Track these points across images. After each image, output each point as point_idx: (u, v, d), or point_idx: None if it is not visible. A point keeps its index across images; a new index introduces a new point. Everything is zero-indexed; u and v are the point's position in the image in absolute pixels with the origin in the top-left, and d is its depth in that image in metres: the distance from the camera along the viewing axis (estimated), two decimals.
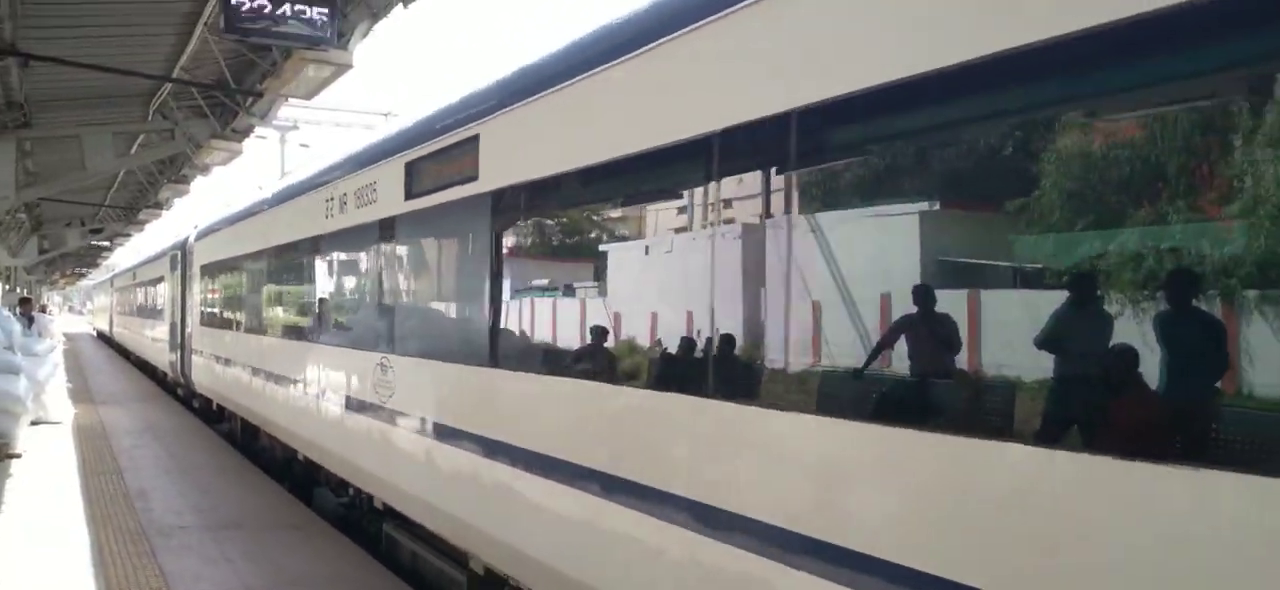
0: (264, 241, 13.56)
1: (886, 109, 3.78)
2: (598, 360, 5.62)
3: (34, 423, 16.00)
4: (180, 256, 21.89)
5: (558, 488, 5.62)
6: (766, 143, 4.26)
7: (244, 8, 9.75)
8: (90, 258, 54.70)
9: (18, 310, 23.73)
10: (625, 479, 4.99)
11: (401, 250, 8.75)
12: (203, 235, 19.33)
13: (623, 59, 5.24)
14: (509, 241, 6.87)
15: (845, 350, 4.04)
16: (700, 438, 4.58)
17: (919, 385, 3.79)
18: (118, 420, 18.55)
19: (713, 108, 4.48)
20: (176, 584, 8.01)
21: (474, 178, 6.85)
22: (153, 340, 28.03)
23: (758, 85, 4.25)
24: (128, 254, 47.54)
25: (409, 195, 8.17)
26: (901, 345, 3.82)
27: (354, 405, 9.30)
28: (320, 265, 11.17)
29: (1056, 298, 3.35)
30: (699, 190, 4.82)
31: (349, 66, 10.95)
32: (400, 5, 10.50)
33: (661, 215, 5.43)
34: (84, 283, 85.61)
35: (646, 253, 5.58)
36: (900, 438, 3.62)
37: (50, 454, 14.14)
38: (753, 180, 4.52)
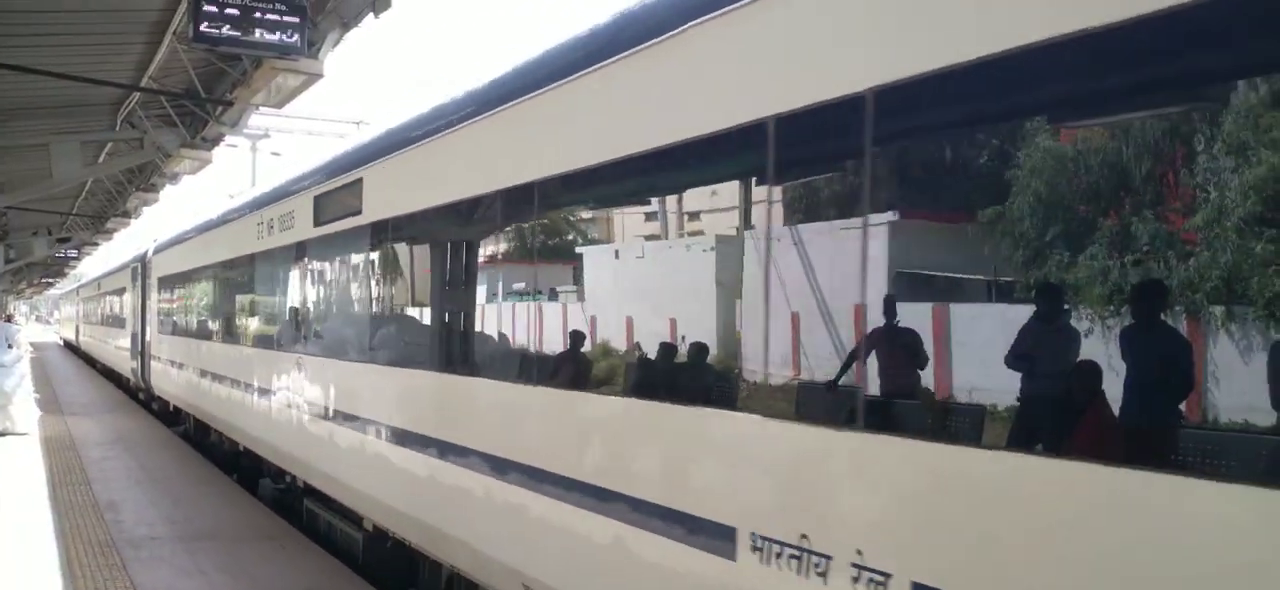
0: (210, 257, 15.52)
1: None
2: (428, 355, 7.70)
3: (0, 434, 15.84)
4: (140, 269, 23.55)
5: (412, 454, 7.49)
6: (521, 203, 6.34)
7: (213, 17, 9.72)
8: (57, 267, 54.04)
9: None
10: (449, 442, 6.94)
11: (311, 268, 10.73)
12: (159, 249, 21.22)
13: (447, 131, 7.31)
14: (382, 264, 8.92)
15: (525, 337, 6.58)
16: (476, 405, 6.79)
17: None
18: (87, 431, 18.38)
19: (497, 173, 6.52)
20: None
21: (359, 212, 8.88)
22: (116, 348, 29.69)
23: (520, 161, 6.20)
24: (96, 263, 47.27)
25: (316, 223, 10.17)
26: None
27: (277, 399, 11.15)
28: (253, 279, 13.08)
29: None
30: (490, 231, 7.24)
31: (319, 76, 10.92)
32: (371, 15, 10.50)
33: (469, 247, 7.39)
34: (51, 292, 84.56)
35: (459, 274, 7.57)
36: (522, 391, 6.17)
37: (17, 465, 14.00)
38: (511, 226, 6.93)
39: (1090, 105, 3.30)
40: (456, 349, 7.36)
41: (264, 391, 11.77)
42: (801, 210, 4.44)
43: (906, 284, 3.86)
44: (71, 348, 54.12)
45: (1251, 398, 2.78)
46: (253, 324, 13.16)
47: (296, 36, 9.92)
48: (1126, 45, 2.94)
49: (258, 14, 9.72)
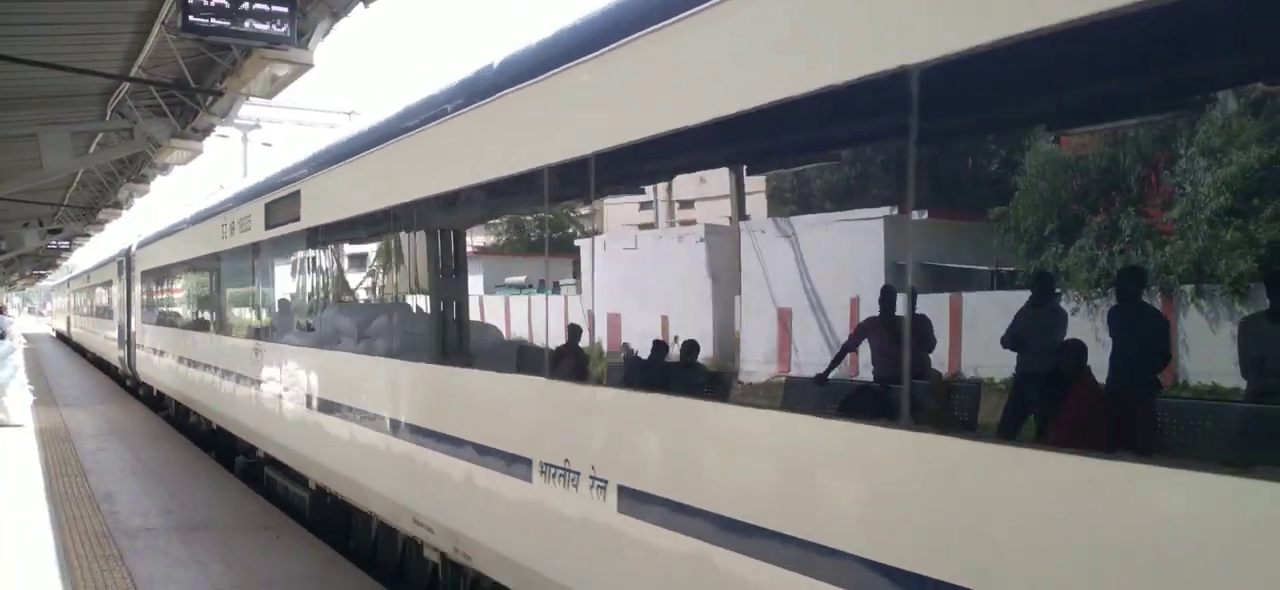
0: (185, 253, 17.16)
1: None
2: (349, 341, 9.13)
3: None
4: (125, 262, 25.19)
5: (336, 421, 9.01)
6: (410, 220, 7.89)
7: (201, 7, 9.69)
8: (49, 258, 53.82)
9: None
10: (361, 409, 8.45)
11: (263, 265, 12.24)
12: (142, 245, 22.76)
13: (362, 154, 8.70)
14: (318, 263, 10.38)
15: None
16: (377, 380, 8.26)
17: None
18: (81, 422, 18.37)
19: (404, 188, 7.75)
20: (144, 586, 8.02)
21: (298, 219, 10.41)
22: (104, 338, 31.40)
23: (414, 182, 7.60)
24: (88, 253, 47.31)
25: (267, 226, 11.70)
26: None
27: (242, 381, 12.70)
28: (221, 275, 14.68)
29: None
30: (394, 238, 8.49)
31: (309, 66, 10.90)
32: (360, 4, 10.47)
33: (381, 250, 8.94)
34: (44, 283, 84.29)
35: (362, 274, 9.48)
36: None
37: (12, 457, 14.01)
38: (418, 234, 8.01)
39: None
40: (363, 334, 8.92)
41: (229, 375, 13.46)
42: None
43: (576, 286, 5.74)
44: (63, 339, 54.74)
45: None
46: (220, 315, 14.71)
47: (286, 26, 9.89)
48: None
49: (247, 4, 9.70)
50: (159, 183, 23.07)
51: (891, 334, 3.67)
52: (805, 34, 4.03)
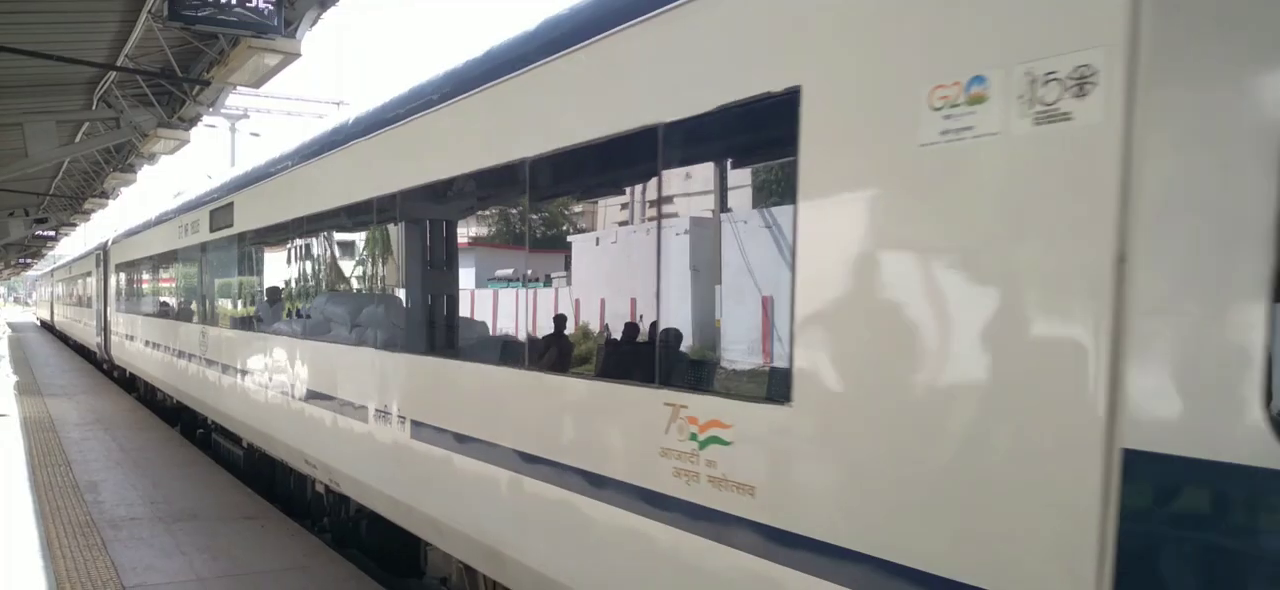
0: (150, 249, 19.32)
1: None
2: (267, 324, 11.29)
3: None
4: (102, 256, 27.31)
5: (254, 387, 11.41)
6: (299, 230, 10.14)
7: None
8: (35, 248, 53.57)
9: None
10: (271, 377, 10.76)
11: (209, 262, 14.36)
12: (117, 241, 24.78)
13: (267, 179, 11.26)
14: (245, 262, 12.51)
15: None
16: (280, 354, 10.47)
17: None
18: (66, 411, 18.31)
19: (294, 208, 10.14)
20: (128, 576, 8.00)
21: (232, 225, 12.78)
22: (83, 325, 34.01)
23: (298, 204, 10.02)
24: (76, 243, 47.50)
25: (211, 230, 13.97)
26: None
27: (193, 361, 15.00)
28: (177, 269, 16.97)
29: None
30: (290, 244, 10.58)
31: (297, 55, 10.87)
32: None
33: (285, 254, 10.87)
34: (30, 273, 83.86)
35: (271, 270, 11.57)
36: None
37: None
38: (303, 242, 10.22)
39: None
40: (272, 319, 11.11)
41: (183, 356, 15.78)
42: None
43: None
44: (48, 327, 55.11)
45: None
46: (176, 304, 16.98)
47: (273, 15, 9.87)
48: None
49: None
50: (146, 172, 22.98)
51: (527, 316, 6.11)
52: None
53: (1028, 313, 3.09)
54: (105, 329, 26.48)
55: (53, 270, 55.31)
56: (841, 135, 3.75)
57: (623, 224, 5.42)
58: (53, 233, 39.00)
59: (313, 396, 9.35)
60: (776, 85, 3.99)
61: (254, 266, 12.21)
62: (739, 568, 4.14)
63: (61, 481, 11.75)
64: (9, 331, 34.26)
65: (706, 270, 4.68)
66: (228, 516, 10.20)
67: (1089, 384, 2.89)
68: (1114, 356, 2.84)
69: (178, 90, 16.06)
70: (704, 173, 4.73)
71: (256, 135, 34.66)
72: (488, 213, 6.98)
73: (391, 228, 7.75)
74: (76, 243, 48.58)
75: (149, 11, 12.12)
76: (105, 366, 27.76)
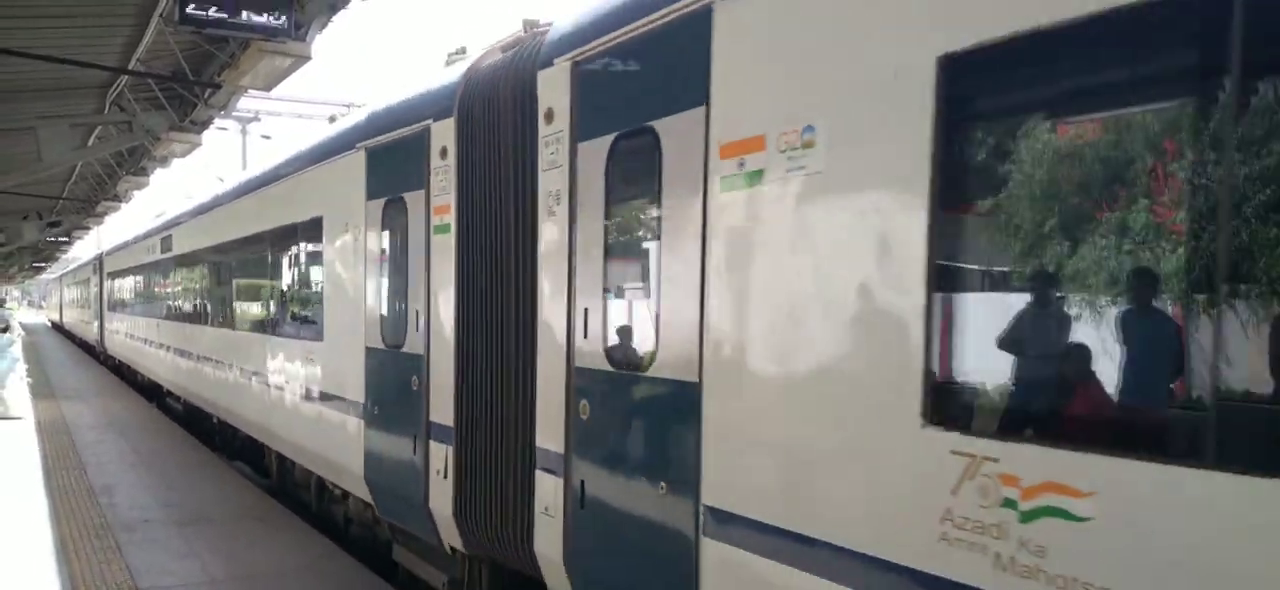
0: (130, 262, 25.14)
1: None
2: (190, 319, 17.01)
3: None
4: (99, 265, 33.42)
5: (193, 364, 16.29)
6: (200, 257, 16.43)
7: None
8: (48, 251, 53.85)
9: None
10: (199, 355, 15.75)
11: (163, 272, 19.99)
12: (109, 253, 30.95)
13: (186, 222, 17.84)
14: (181, 274, 18.13)
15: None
16: (197, 340, 16.05)
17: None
18: (80, 414, 18.41)
19: (197, 242, 16.51)
20: (143, 578, 8.03)
21: (171, 249, 18.73)
22: (85, 323, 40.09)
23: (200, 239, 16.34)
24: (88, 246, 48.27)
25: (161, 251, 19.81)
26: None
27: (158, 346, 20.12)
28: (151, 278, 21.82)
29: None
30: (198, 265, 16.79)
31: (307, 58, 10.91)
32: None
33: (198, 271, 16.89)
34: (43, 277, 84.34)
35: (197, 281, 17.06)
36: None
37: (11, 449, 14.03)
38: (202, 265, 16.46)
39: None
40: (193, 315, 16.62)
41: (150, 343, 21.24)
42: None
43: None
44: (58, 328, 59.68)
45: None
46: (149, 305, 22.03)
47: (284, 18, 9.91)
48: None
49: None
50: (158, 175, 23.13)
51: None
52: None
53: None
54: (102, 327, 32.25)
55: (62, 276, 59.43)
56: None
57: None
58: (66, 236, 39.24)
59: (209, 362, 14.90)
60: None
61: (182, 277, 18.26)
62: None
63: (76, 484, 11.82)
64: (23, 334, 34.68)
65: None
66: (239, 518, 10.24)
67: None
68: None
69: (189, 94, 16.13)
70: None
71: (267, 137, 34.79)
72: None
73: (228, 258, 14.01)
74: (89, 245, 49.50)
75: (161, 15, 12.17)
76: (102, 358, 32.27)
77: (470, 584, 7.00)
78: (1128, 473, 2.82)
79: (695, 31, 4.41)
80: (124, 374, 26.98)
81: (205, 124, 17.03)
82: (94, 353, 34.72)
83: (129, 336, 24.95)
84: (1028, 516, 3.03)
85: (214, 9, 9.70)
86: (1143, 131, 3.11)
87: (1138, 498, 2.80)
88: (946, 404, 3.43)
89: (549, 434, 5.59)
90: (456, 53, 7.73)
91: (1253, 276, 2.77)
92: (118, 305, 27.63)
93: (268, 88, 12.74)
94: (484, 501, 6.40)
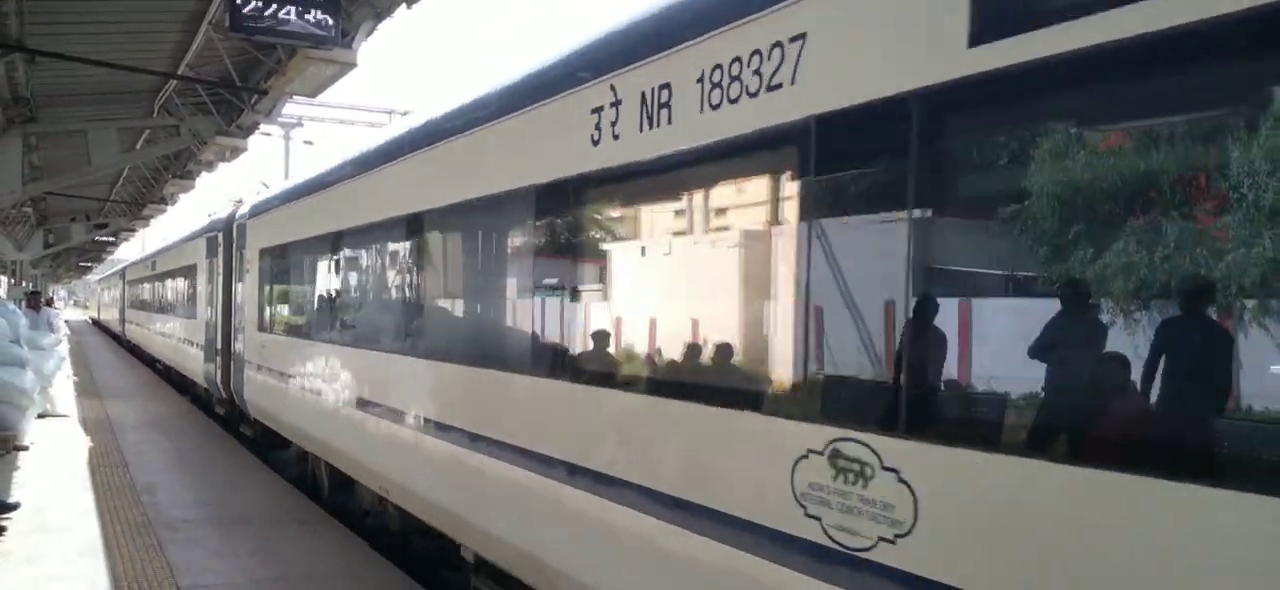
0: (139, 275, 35.80)
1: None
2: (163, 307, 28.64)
3: (41, 415, 16.12)
4: (123, 275, 44.43)
5: (165, 339, 26.86)
6: (161, 277, 29.59)
7: (248, 6, 9.84)
8: (95, 252, 54.87)
9: (24, 304, 23.99)
10: (176, 340, 25.15)
11: (157, 282, 29.84)
12: (128, 267, 42.82)
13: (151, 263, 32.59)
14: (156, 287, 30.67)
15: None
16: (173, 333, 25.83)
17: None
18: (123, 414, 18.68)
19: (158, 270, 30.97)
20: (183, 577, 8.11)
21: (155, 268, 31.66)
22: (113, 318, 50.47)
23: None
24: (134, 249, 50.07)
25: (153, 269, 31.28)
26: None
27: (149, 329, 31.29)
28: (153, 286, 30.58)
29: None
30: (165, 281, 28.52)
31: (353, 65, 11.03)
32: (403, 4, 10.57)
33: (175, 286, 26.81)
34: (89, 278, 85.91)
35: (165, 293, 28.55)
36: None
37: (57, 447, 14.26)
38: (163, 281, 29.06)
39: None
40: (163, 306, 27.98)
41: (147, 329, 32.09)
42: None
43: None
44: (96, 323, 68.26)
45: None
46: (149, 304, 32.05)
47: (330, 26, 10.01)
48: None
49: (292, 4, 9.82)
50: (204, 179, 23.50)
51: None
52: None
53: None
54: (122, 319, 43.45)
55: (98, 281, 74.51)
56: None
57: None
58: (112, 237, 39.97)
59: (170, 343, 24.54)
60: None
61: (158, 288, 28.80)
62: None
63: (119, 482, 11.98)
64: (68, 333, 35.63)
65: None
66: (280, 520, 10.31)
67: None
68: None
69: (236, 99, 16.36)
70: None
71: (310, 143, 35.21)
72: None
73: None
74: (134, 248, 51.26)
75: (210, 22, 12.35)
76: (123, 341, 42.61)
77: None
78: None
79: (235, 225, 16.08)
80: (139, 354, 35.83)
81: (251, 129, 17.28)
82: (118, 338, 45.43)
83: (138, 326, 35.78)
84: None
85: (262, 17, 9.84)
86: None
87: None
88: None
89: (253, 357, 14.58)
90: (237, 201, 17.85)
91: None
92: (134, 304, 38.47)
93: (313, 94, 12.90)
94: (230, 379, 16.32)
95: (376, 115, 29.90)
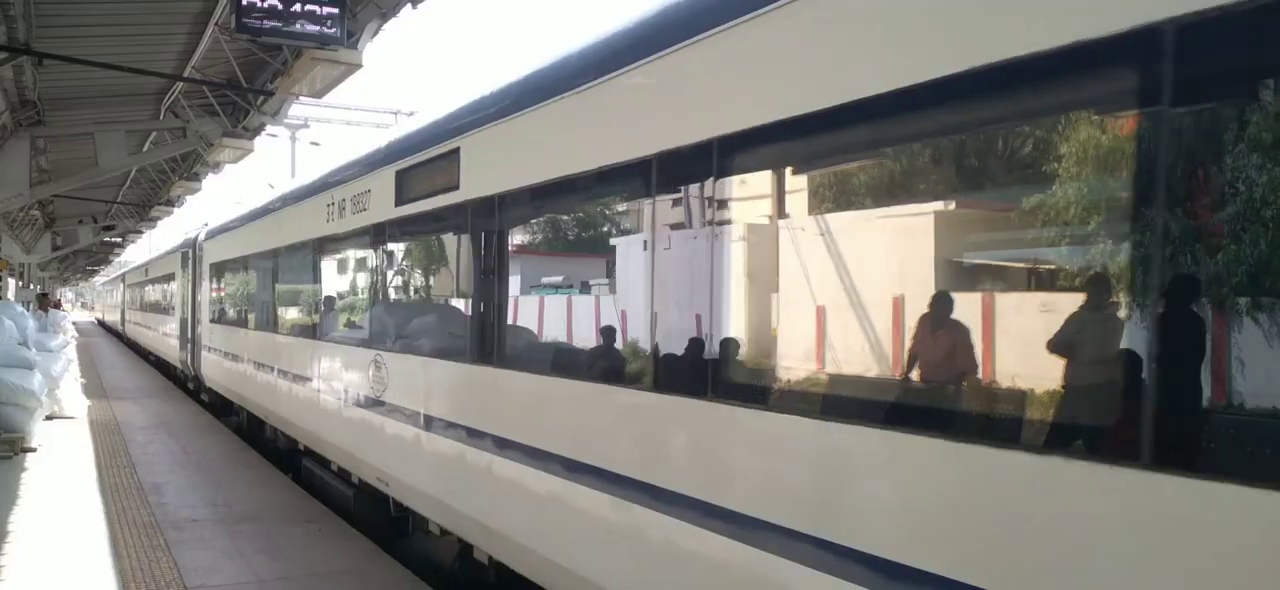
0: (135, 279, 41.68)
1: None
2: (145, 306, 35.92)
3: (48, 417, 16.19)
4: (123, 279, 50.38)
5: (154, 332, 32.87)
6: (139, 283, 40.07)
7: (254, 8, 9.87)
8: (102, 254, 55.07)
9: (32, 306, 24.14)
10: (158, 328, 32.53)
11: (149, 288, 34.87)
12: (127, 272, 48.59)
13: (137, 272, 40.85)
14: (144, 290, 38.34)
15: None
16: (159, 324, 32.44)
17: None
18: (131, 415, 18.74)
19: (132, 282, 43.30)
20: (190, 576, 8.14)
21: (127, 279, 46.80)
22: (113, 314, 58.76)
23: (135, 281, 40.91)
24: (141, 250, 52.15)
25: (128, 283, 45.20)
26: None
27: (149, 328, 34.78)
28: (144, 292, 36.78)
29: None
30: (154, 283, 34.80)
31: (358, 66, 11.04)
32: (409, 5, 10.59)
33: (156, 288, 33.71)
34: (96, 280, 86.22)
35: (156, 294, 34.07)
36: None
37: (64, 448, 14.32)
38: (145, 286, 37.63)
39: None
40: (151, 310, 34.23)
41: (146, 326, 34.63)
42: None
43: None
44: (100, 323, 73.92)
45: None
46: (131, 305, 42.11)
47: (336, 27, 10.04)
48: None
49: (298, 5, 9.85)
50: (210, 181, 23.57)
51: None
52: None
53: None
54: (122, 317, 49.18)
55: (99, 285, 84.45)
56: None
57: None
58: (120, 239, 40.15)
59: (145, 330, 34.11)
60: None
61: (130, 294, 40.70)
62: None
63: (127, 483, 12.02)
64: (75, 335, 36.26)
65: None
66: (287, 520, 10.34)
67: None
68: None
69: (242, 100, 16.40)
70: None
71: (316, 144, 35.29)
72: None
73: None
74: (142, 250, 52.49)
75: (216, 23, 12.38)
76: (118, 333, 50.78)
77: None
78: None
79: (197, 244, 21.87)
80: (139, 350, 39.66)
81: (257, 130, 17.31)
82: (120, 335, 50.80)
83: (135, 324, 41.15)
84: None
85: (268, 18, 9.87)
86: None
87: None
88: None
89: (206, 341, 20.04)
90: (204, 224, 21.95)
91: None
92: (132, 305, 43.96)
93: (319, 95, 12.92)
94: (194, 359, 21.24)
95: (382, 116, 29.95)
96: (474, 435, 6.94)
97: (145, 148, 19.95)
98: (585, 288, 6.36)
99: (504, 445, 6.52)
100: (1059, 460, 3.11)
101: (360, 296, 10.50)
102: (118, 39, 13.21)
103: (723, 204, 4.76)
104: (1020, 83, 3.30)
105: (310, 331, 12.16)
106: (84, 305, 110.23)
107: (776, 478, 4.29)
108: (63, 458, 13.54)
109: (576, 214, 6.70)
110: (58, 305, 43.47)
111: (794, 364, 4.49)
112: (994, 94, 3.42)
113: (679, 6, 5.16)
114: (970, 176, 3.82)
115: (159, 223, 35.86)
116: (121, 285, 51.14)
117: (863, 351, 4.12)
